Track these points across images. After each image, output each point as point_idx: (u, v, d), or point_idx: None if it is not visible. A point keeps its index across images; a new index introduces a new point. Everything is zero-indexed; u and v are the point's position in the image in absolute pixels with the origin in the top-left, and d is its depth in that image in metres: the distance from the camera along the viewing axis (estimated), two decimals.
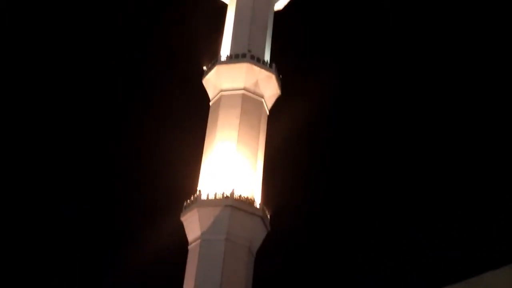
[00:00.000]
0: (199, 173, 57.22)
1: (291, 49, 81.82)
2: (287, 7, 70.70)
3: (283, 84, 62.19)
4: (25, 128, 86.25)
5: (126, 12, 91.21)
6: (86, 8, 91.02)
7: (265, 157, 58.98)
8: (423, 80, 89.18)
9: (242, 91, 59.17)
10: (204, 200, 53.44)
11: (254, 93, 59.71)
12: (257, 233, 54.14)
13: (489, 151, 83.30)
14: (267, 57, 62.92)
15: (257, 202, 54.76)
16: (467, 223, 76.39)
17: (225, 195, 53.12)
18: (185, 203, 54.98)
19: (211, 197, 53.43)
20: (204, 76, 61.56)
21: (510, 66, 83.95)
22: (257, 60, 60.51)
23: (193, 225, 53.41)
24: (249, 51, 60.94)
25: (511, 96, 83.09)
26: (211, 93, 61.41)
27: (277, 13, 69.49)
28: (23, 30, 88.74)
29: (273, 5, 67.94)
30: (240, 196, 53.48)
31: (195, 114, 69.58)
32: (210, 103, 61.23)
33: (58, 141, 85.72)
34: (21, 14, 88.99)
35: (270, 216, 55.56)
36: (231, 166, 55.47)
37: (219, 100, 59.60)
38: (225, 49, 62.82)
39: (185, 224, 54.47)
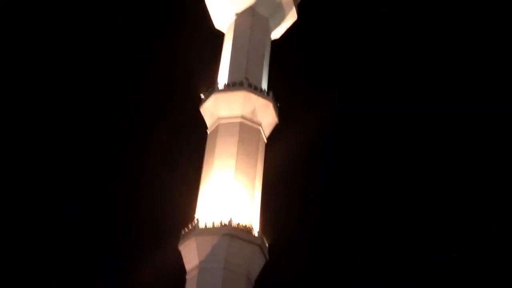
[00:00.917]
0: (196, 201, 56.99)
1: (288, 77, 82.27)
2: (284, 35, 71.27)
3: (281, 112, 62.34)
4: (24, 136, 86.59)
5: (121, 40, 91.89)
6: (83, 37, 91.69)
7: (263, 185, 58.83)
8: (420, 106, 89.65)
9: (240, 119, 59.23)
10: (202, 229, 53.15)
11: (251, 121, 59.79)
12: (256, 262, 53.74)
13: (488, 153, 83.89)
14: (264, 85, 63.13)
15: (255, 230, 54.43)
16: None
17: (223, 224, 52.83)
18: (182, 232, 54.63)
19: (209, 225, 53.15)
20: (202, 104, 61.69)
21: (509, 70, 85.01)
22: (255, 88, 60.69)
23: (191, 254, 53.03)
24: (247, 79, 61.14)
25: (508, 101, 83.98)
26: (208, 121, 61.50)
27: (274, 42, 69.99)
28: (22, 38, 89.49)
29: (270, 34, 68.39)
30: (238, 224, 53.19)
31: (192, 142, 69.72)
32: (208, 131, 61.26)
33: (56, 166, 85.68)
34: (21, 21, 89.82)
35: (268, 245, 55.23)
36: (229, 194, 55.27)
37: (216, 128, 59.66)
38: (223, 77, 63.06)
39: (183, 253, 54.11)
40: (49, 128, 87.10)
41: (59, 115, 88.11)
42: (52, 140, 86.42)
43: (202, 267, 51.79)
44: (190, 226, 54.29)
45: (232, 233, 52.40)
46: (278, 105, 62.15)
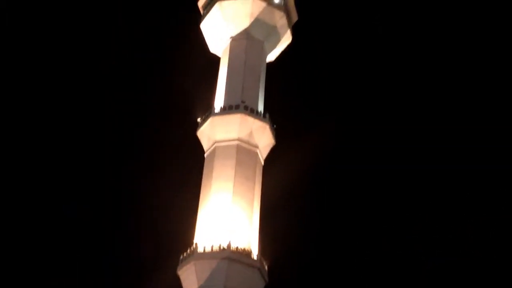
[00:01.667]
0: (195, 225, 56.87)
1: (284, 99, 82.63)
2: (279, 58, 71.70)
3: (278, 133, 62.55)
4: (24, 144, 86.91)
5: (121, 65, 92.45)
6: (84, 65, 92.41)
7: (261, 208, 58.76)
8: (415, 126, 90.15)
9: (237, 142, 59.37)
10: (201, 253, 53.00)
11: (248, 143, 59.91)
12: (255, 285, 53.48)
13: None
14: (260, 107, 63.39)
15: (254, 254, 54.31)
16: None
17: (222, 247, 52.72)
18: (181, 256, 54.46)
19: (208, 249, 53.00)
20: (199, 128, 61.83)
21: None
22: (251, 111, 60.93)
23: (190, 278, 52.79)
24: (243, 102, 61.42)
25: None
26: (205, 144, 61.58)
27: (270, 64, 70.40)
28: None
29: (266, 56, 68.78)
30: (237, 248, 53.07)
31: (190, 165, 69.73)
32: (205, 155, 61.30)
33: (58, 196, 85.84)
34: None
35: (267, 267, 55.06)
36: (227, 217, 55.21)
37: (213, 151, 59.74)
38: (219, 101, 63.30)
39: (182, 277, 53.87)
40: (50, 144, 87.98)
41: (60, 133, 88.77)
42: (53, 158, 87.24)
43: None
44: (189, 250, 54.14)
45: (231, 257, 52.26)
46: (275, 126, 62.43)
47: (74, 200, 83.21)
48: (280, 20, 67.97)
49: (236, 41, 67.01)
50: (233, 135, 59.91)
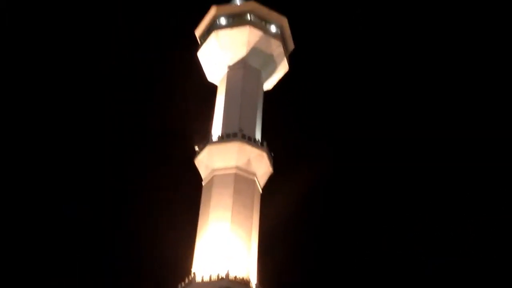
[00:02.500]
0: (193, 254, 56.55)
1: (282, 127, 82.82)
2: (276, 86, 72.06)
3: (275, 162, 62.54)
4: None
5: (120, 91, 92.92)
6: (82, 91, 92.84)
7: (260, 236, 58.49)
8: (410, 150, 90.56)
9: (235, 170, 59.33)
10: (198, 283, 52.63)
11: (246, 172, 59.87)
12: None
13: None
14: (258, 135, 63.47)
15: (253, 283, 53.97)
16: None
17: (220, 277, 52.36)
18: (179, 286, 54.05)
19: (206, 279, 52.65)
20: (196, 156, 61.80)
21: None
22: (249, 139, 61.01)
23: None
24: (240, 130, 61.52)
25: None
26: (203, 173, 61.51)
27: (267, 92, 70.71)
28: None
29: (262, 85, 69.13)
30: (235, 277, 52.72)
31: (188, 194, 69.54)
32: (203, 183, 61.21)
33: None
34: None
35: None
36: (226, 246, 54.92)
37: (211, 180, 59.66)
38: (216, 129, 63.41)
39: None
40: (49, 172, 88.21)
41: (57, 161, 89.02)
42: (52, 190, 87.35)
43: None
44: (187, 280, 53.73)
45: (230, 286, 51.82)
46: (273, 155, 62.46)
47: (75, 232, 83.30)
48: (276, 49, 68.48)
49: (233, 69, 67.43)
50: (231, 163, 59.90)
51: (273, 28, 69.10)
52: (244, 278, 53.29)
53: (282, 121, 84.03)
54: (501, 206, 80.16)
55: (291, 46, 71.82)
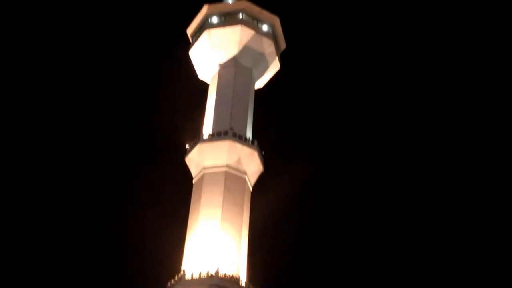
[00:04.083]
0: (183, 252, 56.75)
1: (273, 125, 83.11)
2: (267, 85, 72.33)
3: (266, 160, 62.86)
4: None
5: (110, 90, 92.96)
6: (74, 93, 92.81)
7: (250, 234, 58.75)
8: (406, 143, 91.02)
9: (225, 169, 59.57)
10: (188, 280, 52.78)
11: (237, 170, 60.13)
12: None
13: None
14: (249, 134, 63.74)
15: (243, 280, 54.20)
16: None
17: (209, 274, 52.57)
18: (169, 283, 54.22)
19: (196, 276, 52.83)
20: (187, 155, 62.03)
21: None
22: (239, 138, 61.25)
23: None
24: (231, 128, 61.76)
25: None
26: (194, 171, 61.74)
27: (258, 91, 70.97)
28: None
29: (254, 83, 69.36)
30: (225, 274, 52.94)
31: (178, 192, 69.73)
32: (193, 181, 61.44)
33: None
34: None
35: None
36: (215, 244, 55.14)
37: (202, 178, 59.88)
38: (207, 128, 63.63)
39: None
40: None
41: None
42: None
43: None
44: (176, 277, 53.90)
45: (219, 284, 52.05)
46: (263, 153, 62.77)
47: (66, 231, 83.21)
48: (268, 48, 68.72)
49: (224, 68, 67.65)
50: (221, 161, 60.15)
51: (265, 27, 69.35)
52: (234, 276, 53.55)
53: (273, 120, 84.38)
54: (501, 205, 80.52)
55: (283, 45, 72.10)
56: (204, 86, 70.14)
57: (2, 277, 75.00)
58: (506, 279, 73.43)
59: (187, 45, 71.29)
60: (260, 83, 71.38)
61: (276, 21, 70.38)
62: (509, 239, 77.23)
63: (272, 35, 69.59)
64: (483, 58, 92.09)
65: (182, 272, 53.83)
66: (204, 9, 69.50)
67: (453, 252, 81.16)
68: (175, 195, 72.62)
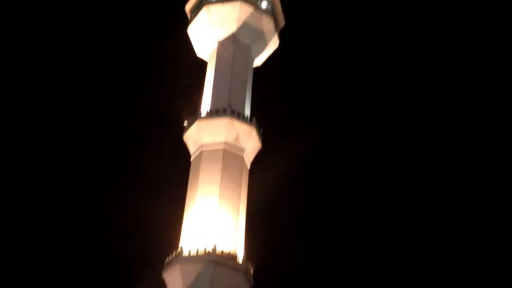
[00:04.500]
0: (181, 229, 56.87)
1: (271, 103, 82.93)
2: (266, 62, 72.01)
3: (264, 138, 62.74)
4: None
5: (108, 67, 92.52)
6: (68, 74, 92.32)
7: (248, 211, 58.85)
8: (402, 124, 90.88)
9: (223, 146, 59.48)
10: (186, 256, 52.96)
11: (235, 147, 60.07)
12: None
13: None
14: (247, 111, 63.58)
15: (240, 257, 54.37)
16: None
17: (207, 251, 52.75)
18: (166, 260, 54.42)
19: (193, 253, 53.01)
20: (185, 132, 61.90)
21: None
22: (237, 115, 61.09)
23: (175, 281, 52.74)
24: (229, 106, 61.59)
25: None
26: (192, 148, 61.67)
27: (257, 69, 70.67)
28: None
29: (253, 61, 69.04)
30: (222, 251, 53.13)
31: (176, 169, 69.74)
32: (191, 159, 61.39)
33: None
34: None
35: (253, 271, 55.12)
36: (213, 221, 55.25)
37: (200, 155, 59.83)
38: (206, 105, 63.45)
39: (167, 281, 53.82)
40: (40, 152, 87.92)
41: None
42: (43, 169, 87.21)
43: None
44: (174, 254, 54.08)
45: (217, 260, 52.28)
46: (261, 131, 62.65)
47: (58, 202, 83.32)
48: (267, 25, 68.27)
49: (223, 45, 67.27)
50: (219, 139, 60.02)
51: (264, 4, 68.83)
52: (231, 253, 53.75)
53: (272, 97, 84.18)
54: (501, 205, 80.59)
55: (282, 22, 71.62)
56: (203, 64, 69.86)
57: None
58: (506, 279, 73.68)
59: (186, 22, 70.83)
60: (258, 61, 71.06)
61: None
62: (509, 239, 77.37)
63: (271, 12, 69.12)
64: (483, 58, 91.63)
65: (179, 249, 54.00)
66: None
67: (454, 236, 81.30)
68: (173, 172, 72.66)
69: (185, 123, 62.52)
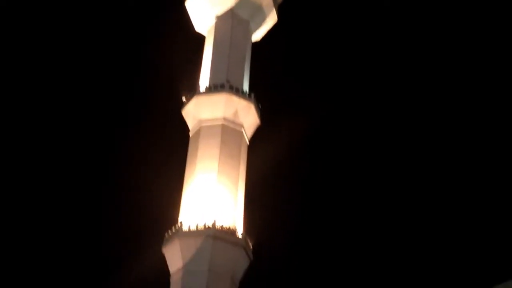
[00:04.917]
0: (180, 204, 57.02)
1: (270, 78, 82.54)
2: (265, 37, 71.54)
3: (263, 113, 62.58)
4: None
5: (103, 45, 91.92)
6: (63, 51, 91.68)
7: (246, 187, 58.96)
8: (405, 107, 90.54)
9: (222, 122, 59.37)
10: (185, 231, 53.17)
11: (233, 123, 59.92)
12: (240, 263, 53.85)
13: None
14: (246, 87, 63.34)
15: (239, 232, 54.62)
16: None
17: (206, 226, 52.94)
18: (166, 235, 54.65)
19: (193, 228, 53.18)
20: (183, 107, 61.70)
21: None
22: (236, 90, 60.87)
23: (174, 256, 53.07)
24: (228, 81, 61.33)
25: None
26: (190, 124, 61.56)
27: (255, 44, 70.21)
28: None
29: (251, 36, 68.58)
30: (221, 226, 53.31)
31: (175, 145, 69.68)
32: (190, 134, 61.30)
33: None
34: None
35: (252, 246, 55.39)
36: (212, 196, 55.39)
37: (198, 131, 59.73)
38: (204, 80, 63.19)
39: (166, 255, 54.11)
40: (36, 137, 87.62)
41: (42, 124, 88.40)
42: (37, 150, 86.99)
43: (186, 269, 51.87)
44: (173, 229, 54.30)
45: (216, 235, 52.49)
46: (260, 106, 62.47)
47: (53, 180, 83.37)
48: None
49: (221, 20, 66.75)
50: (218, 114, 59.85)
51: None
52: (231, 228, 53.96)
53: (270, 73, 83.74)
54: (501, 205, 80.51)
55: None
56: (201, 38, 69.40)
57: None
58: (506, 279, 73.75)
59: None
60: (257, 36, 70.60)
61: None
62: (509, 239, 77.45)
63: None
64: (483, 58, 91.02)
65: (179, 224, 54.21)
66: None
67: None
68: (172, 148, 72.64)
69: (184, 99, 62.31)
